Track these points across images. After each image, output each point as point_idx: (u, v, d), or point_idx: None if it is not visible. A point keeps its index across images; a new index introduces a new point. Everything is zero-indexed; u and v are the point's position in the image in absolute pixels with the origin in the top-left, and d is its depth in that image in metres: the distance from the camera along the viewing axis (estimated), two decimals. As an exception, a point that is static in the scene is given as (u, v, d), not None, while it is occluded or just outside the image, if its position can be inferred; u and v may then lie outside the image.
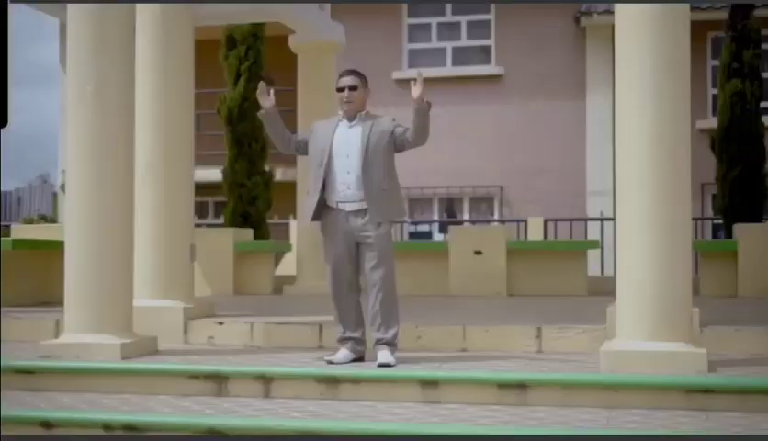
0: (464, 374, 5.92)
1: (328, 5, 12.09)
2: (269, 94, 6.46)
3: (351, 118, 6.39)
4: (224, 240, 11.61)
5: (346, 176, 6.28)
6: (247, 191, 13.09)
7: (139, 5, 7.77)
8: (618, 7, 6.10)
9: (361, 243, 6.34)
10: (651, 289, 5.86)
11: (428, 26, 17.10)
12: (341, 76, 6.47)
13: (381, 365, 6.17)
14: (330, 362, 6.31)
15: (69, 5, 6.84)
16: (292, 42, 11.66)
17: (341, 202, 6.31)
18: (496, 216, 16.68)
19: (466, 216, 16.84)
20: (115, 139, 6.78)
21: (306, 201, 6.49)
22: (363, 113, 6.40)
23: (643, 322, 5.88)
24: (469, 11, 16.91)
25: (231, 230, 12.01)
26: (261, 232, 13.05)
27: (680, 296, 5.91)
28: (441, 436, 5.03)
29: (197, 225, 16.64)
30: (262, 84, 6.48)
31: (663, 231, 5.87)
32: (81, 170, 6.75)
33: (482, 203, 17.05)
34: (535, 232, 14.18)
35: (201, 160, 17.32)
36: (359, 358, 6.43)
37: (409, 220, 16.54)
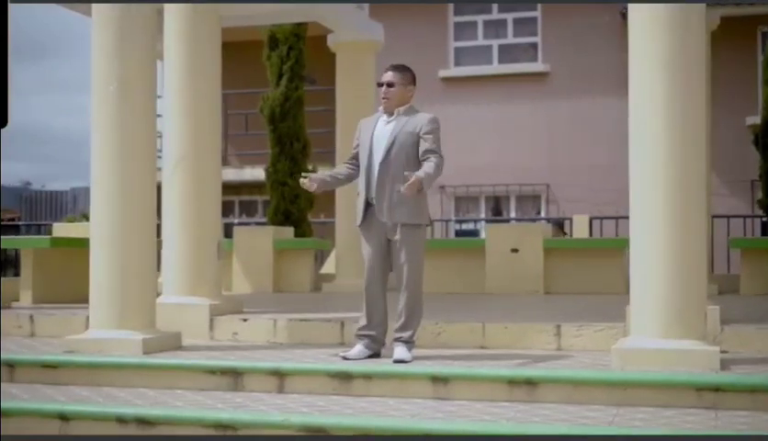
0: (474, 371, 5.93)
1: (367, 5, 12.12)
2: (309, 180, 6.40)
3: (390, 114, 6.41)
4: (264, 238, 11.70)
5: (375, 174, 6.32)
6: (289, 190, 13.21)
7: (166, 6, 7.93)
8: (631, 7, 6.06)
9: (391, 240, 6.37)
10: (664, 287, 5.81)
11: (474, 24, 17.06)
12: (385, 71, 6.46)
13: (396, 361, 6.20)
14: (345, 358, 6.36)
15: (93, 6, 6.98)
16: (330, 41, 11.72)
17: (373, 198, 6.34)
18: (543, 214, 16.58)
19: (512, 214, 16.77)
20: (137, 138, 6.91)
21: (357, 202, 6.50)
22: (403, 109, 6.38)
23: (655, 319, 5.83)
24: (516, 8, 16.83)
25: (271, 228, 12.11)
26: (302, 230, 13.16)
27: (693, 294, 5.84)
28: (441, 433, 5.06)
29: (246, 223, 16.85)
30: (302, 181, 6.42)
31: (676, 230, 5.81)
32: (104, 169, 6.90)
33: (529, 201, 16.97)
34: (580, 230, 14.05)
35: (249, 159, 17.59)
36: (375, 355, 6.47)
37: (454, 219, 16.52)
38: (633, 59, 6.02)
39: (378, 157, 6.32)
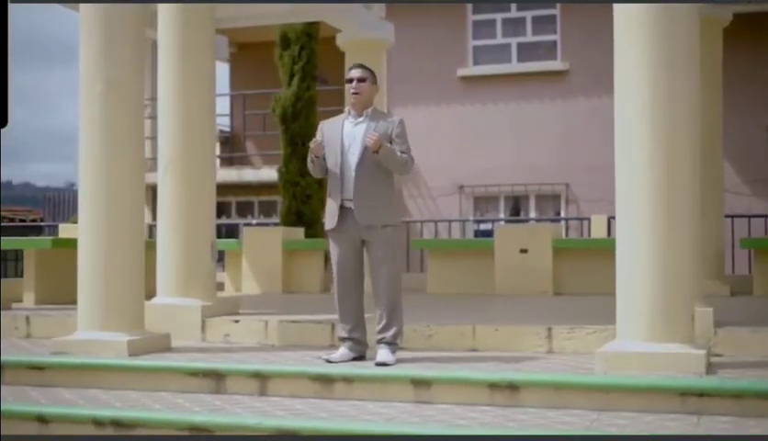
0: (455, 374, 5.83)
1: (378, 5, 12.04)
2: (320, 145, 6.32)
3: (357, 114, 6.33)
4: (273, 238, 11.65)
5: (351, 174, 6.24)
6: (301, 190, 13.16)
7: (159, 6, 7.90)
8: (616, 6, 5.94)
9: (367, 241, 6.29)
10: (648, 289, 5.68)
11: (493, 22, 16.89)
12: (350, 69, 6.47)
13: (379, 364, 6.13)
14: (328, 360, 6.28)
15: (81, 6, 6.96)
16: (339, 40, 11.67)
17: (347, 200, 6.26)
18: (563, 214, 16.39)
19: (531, 214, 16.59)
20: (124, 139, 6.88)
21: (328, 205, 6.43)
22: (369, 110, 6.35)
23: (639, 322, 5.70)
24: (535, 6, 16.65)
25: (281, 228, 12.06)
26: (314, 231, 13.10)
27: (679, 296, 5.70)
28: (413, 435, 4.97)
29: (265, 224, 16.81)
30: (314, 142, 6.33)
31: (661, 231, 5.68)
32: (91, 170, 6.87)
33: (548, 201, 16.79)
34: (598, 230, 13.87)
35: (267, 160, 17.56)
36: (359, 357, 6.39)
37: (472, 219, 16.38)
38: (618, 57, 5.89)
39: (353, 159, 6.24)
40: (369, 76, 6.40)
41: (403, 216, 16.29)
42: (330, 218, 6.32)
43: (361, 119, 6.33)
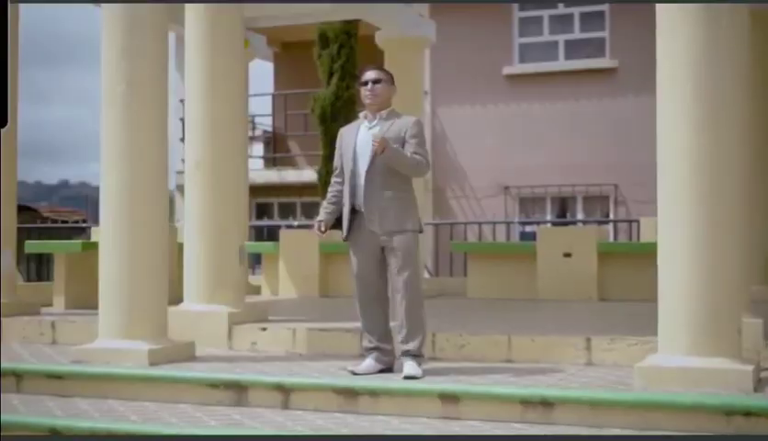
0: (485, 389, 5.53)
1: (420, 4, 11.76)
2: (324, 230, 6.19)
3: (373, 117, 6.08)
4: (310, 241, 11.37)
5: (362, 180, 5.99)
6: (340, 192, 12.90)
7: (187, 6, 7.69)
8: (659, 5, 5.59)
9: (385, 247, 6.02)
10: (691, 299, 5.34)
11: (540, 19, 16.51)
12: (365, 70, 6.23)
13: (407, 377, 5.84)
14: (353, 372, 6.02)
15: (103, 5, 6.76)
16: (378, 38, 11.40)
17: (359, 206, 6.00)
18: (611, 216, 15.96)
19: (579, 216, 16.18)
20: (146, 140, 6.68)
21: (343, 213, 6.17)
22: (384, 112, 6.08)
23: (681, 334, 5.36)
24: (583, 2, 16.24)
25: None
26: (354, 234, 12.82)
27: (725, 307, 5.35)
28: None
29: (306, 226, 16.57)
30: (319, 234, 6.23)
31: (705, 236, 5.33)
32: (112, 172, 6.67)
33: (596, 202, 16.37)
34: (647, 233, 13.43)
35: (311, 160, 17.33)
36: (387, 369, 6.11)
37: (517, 221, 16.02)
38: (660, 54, 5.54)
39: (363, 164, 5.98)
40: (385, 77, 6.15)
41: (447, 217, 15.99)
42: (344, 226, 6.07)
43: (375, 122, 6.07)
